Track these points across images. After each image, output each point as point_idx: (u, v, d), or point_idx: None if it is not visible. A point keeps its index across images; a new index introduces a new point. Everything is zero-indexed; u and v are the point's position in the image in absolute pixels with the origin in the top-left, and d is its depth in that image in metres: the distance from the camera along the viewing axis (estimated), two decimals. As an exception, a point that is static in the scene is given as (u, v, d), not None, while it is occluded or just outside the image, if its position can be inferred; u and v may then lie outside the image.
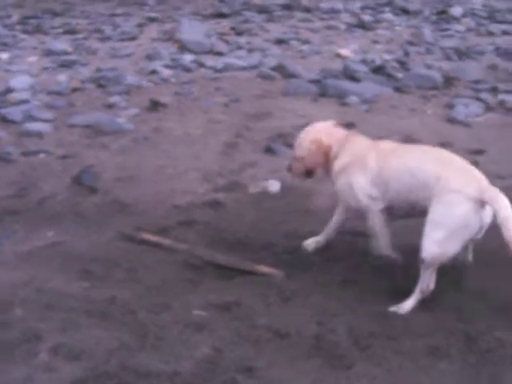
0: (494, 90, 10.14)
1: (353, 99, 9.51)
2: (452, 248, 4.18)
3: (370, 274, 4.74)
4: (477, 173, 4.29)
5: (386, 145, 4.71)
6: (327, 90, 9.89)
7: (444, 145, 7.42)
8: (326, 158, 4.77)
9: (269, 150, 7.40)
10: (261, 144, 7.63)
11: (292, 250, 5.15)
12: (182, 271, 4.82)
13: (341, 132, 4.86)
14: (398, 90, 10.27)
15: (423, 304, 4.35)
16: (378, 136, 7.77)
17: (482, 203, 4.11)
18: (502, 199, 4.07)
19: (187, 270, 4.84)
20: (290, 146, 7.23)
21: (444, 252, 4.18)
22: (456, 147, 7.40)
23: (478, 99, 9.63)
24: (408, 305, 4.30)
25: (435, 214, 4.19)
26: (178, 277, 4.75)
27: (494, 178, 6.38)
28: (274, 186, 6.33)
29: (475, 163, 6.81)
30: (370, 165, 4.57)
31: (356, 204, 4.67)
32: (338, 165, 4.72)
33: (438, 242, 4.16)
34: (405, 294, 4.39)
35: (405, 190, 4.41)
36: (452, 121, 8.75)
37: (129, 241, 5.18)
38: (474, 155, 7.23)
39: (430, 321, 4.24)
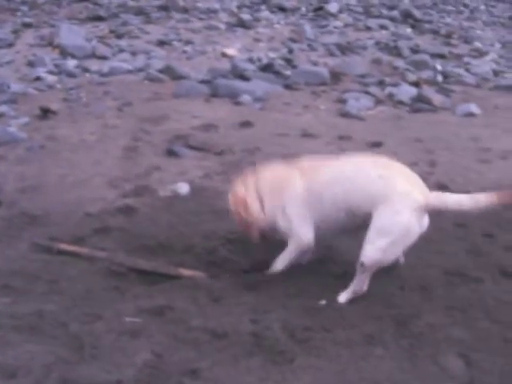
0: (381, 84, 10.50)
1: (245, 98, 9.58)
2: (393, 254, 4.30)
3: (296, 270, 4.75)
4: (415, 177, 4.38)
5: (306, 163, 4.67)
6: (219, 90, 9.93)
7: (343, 138, 7.65)
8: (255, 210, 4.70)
9: (171, 153, 7.37)
10: (161, 147, 7.59)
11: (212, 251, 5.13)
12: (105, 279, 4.71)
13: (249, 180, 4.78)
14: (287, 87, 10.45)
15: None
16: (277, 133, 7.99)
17: (424, 210, 4.23)
18: (444, 193, 4.32)
19: (110, 277, 4.74)
20: (192, 147, 7.29)
21: (385, 258, 4.28)
22: (355, 140, 7.67)
23: (367, 93, 9.94)
24: (340, 301, 4.38)
25: (380, 221, 4.23)
26: (103, 285, 4.64)
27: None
28: (183, 188, 6.31)
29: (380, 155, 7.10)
30: (296, 187, 4.56)
31: (287, 231, 4.65)
32: (266, 206, 4.68)
33: (380, 249, 4.23)
34: (333, 290, 4.48)
35: (344, 201, 4.41)
36: (346, 115, 8.98)
37: (45, 252, 5.04)
38: (374, 147, 7.44)
39: (361, 311, 4.34)
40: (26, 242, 5.20)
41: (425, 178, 6.30)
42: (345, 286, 4.52)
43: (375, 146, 7.64)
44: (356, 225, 4.43)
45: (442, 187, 6.14)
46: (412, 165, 6.66)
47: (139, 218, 5.69)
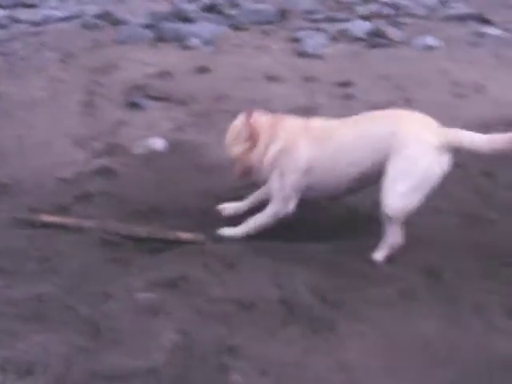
0: (331, 20, 10.14)
1: (194, 41, 9.11)
2: (416, 199, 4.01)
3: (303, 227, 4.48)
4: (429, 119, 4.14)
5: (319, 124, 4.38)
6: (164, 35, 9.42)
7: (309, 80, 7.29)
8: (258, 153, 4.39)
9: (133, 105, 6.91)
10: (120, 99, 7.11)
11: (207, 211, 4.78)
12: (100, 251, 4.29)
13: (267, 118, 4.46)
14: (234, 27, 10.03)
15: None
16: (239, 78, 7.57)
17: (443, 150, 3.97)
18: (462, 131, 4.03)
19: (105, 248, 4.32)
20: (152, 98, 6.82)
21: (409, 205, 4.02)
22: (322, 81, 7.35)
23: (319, 30, 9.60)
24: (377, 258, 4.13)
25: (397, 168, 4.01)
26: (100, 258, 4.22)
27: (373, 107, 6.34)
28: (158, 143, 5.89)
29: (349, 96, 6.80)
30: (302, 158, 4.30)
31: (277, 193, 4.38)
32: (271, 156, 4.37)
33: (401, 195, 3.99)
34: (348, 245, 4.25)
35: (357, 161, 4.17)
36: (303, 54, 8.63)
37: (28, 226, 4.52)
38: (344, 88, 7.14)
39: (388, 265, 4.09)
40: (3, 215, 4.66)
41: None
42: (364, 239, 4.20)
43: (344, 85, 7.36)
44: (363, 184, 4.30)
45: None
46: (389, 104, 6.46)
47: (120, 180, 5.24)
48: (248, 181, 4.58)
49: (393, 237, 4.07)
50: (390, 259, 4.11)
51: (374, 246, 4.16)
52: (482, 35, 9.61)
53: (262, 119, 4.39)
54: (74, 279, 3.98)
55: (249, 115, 4.38)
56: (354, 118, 4.32)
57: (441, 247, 4.22)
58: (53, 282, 3.95)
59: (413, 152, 3.97)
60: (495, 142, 3.96)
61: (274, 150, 4.33)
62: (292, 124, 4.36)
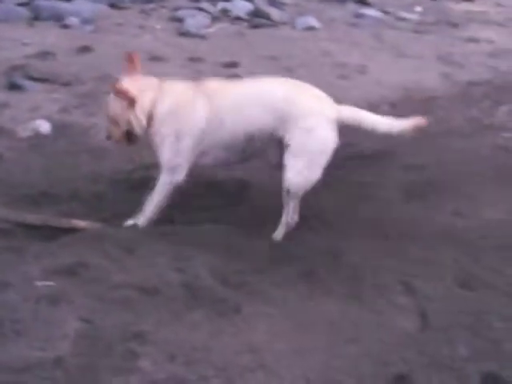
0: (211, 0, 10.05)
1: (72, 20, 8.91)
2: (315, 175, 4.05)
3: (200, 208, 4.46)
4: (323, 94, 4.17)
5: (213, 84, 4.30)
6: (41, 13, 9.18)
7: (194, 60, 7.25)
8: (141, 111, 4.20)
9: (14, 87, 6.65)
10: (-1, 80, 6.75)
11: (100, 195, 4.67)
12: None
13: (150, 79, 4.33)
14: (113, 6, 9.87)
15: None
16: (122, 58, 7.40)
17: (337, 124, 4.03)
18: (360, 110, 4.11)
19: (1, 238, 4.11)
20: (34, 79, 6.59)
21: (308, 180, 4.05)
22: (207, 61, 7.31)
23: (201, 9, 9.53)
24: (276, 237, 4.13)
25: (295, 142, 4.01)
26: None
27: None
28: (44, 126, 5.73)
29: (236, 77, 6.79)
30: (198, 111, 4.15)
31: (167, 162, 4.24)
32: (157, 117, 4.21)
33: (301, 171, 4.01)
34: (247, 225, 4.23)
35: (251, 120, 4.10)
36: (185, 34, 8.59)
37: None
38: (230, 68, 7.15)
39: (283, 245, 4.13)
40: None
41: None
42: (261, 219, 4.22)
43: (231, 66, 7.38)
44: (255, 149, 4.23)
45: None
46: (276, 85, 6.52)
47: (7, 164, 5.07)
48: (129, 144, 4.44)
49: (291, 214, 4.10)
50: (289, 238, 4.10)
51: (270, 225, 4.13)
52: (360, 16, 9.83)
53: (143, 78, 4.27)
54: (-34, 268, 3.79)
55: (126, 74, 4.27)
56: (252, 79, 4.33)
57: (340, 227, 4.24)
58: None
59: (312, 125, 4.00)
60: (393, 126, 4.06)
61: (161, 111, 4.17)
62: (182, 85, 4.27)
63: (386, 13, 10.16)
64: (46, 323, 3.37)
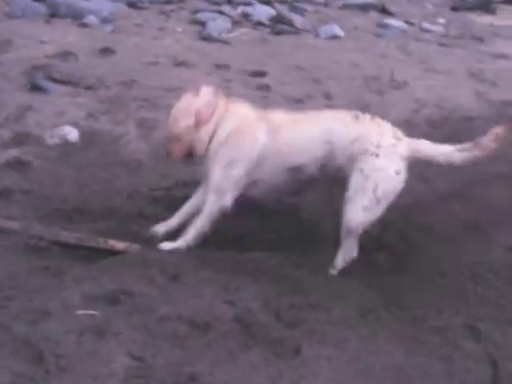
0: (231, 2, 9.81)
1: (91, 19, 8.66)
2: (379, 213, 3.85)
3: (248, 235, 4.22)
4: (394, 129, 3.97)
5: (279, 116, 4.08)
6: (59, 10, 8.90)
7: (220, 67, 7.04)
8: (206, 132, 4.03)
9: (36, 88, 6.38)
10: (20, 81, 6.56)
11: (138, 214, 4.41)
12: (27, 258, 3.93)
13: (220, 100, 4.12)
14: (132, 5, 9.60)
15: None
16: (146, 62, 7.17)
17: (407, 160, 3.84)
18: (431, 144, 3.92)
19: (32, 255, 3.96)
20: (57, 80, 6.33)
21: (371, 218, 3.86)
22: (234, 69, 7.11)
23: (222, 13, 9.31)
24: (333, 273, 3.96)
25: (362, 180, 3.81)
26: (28, 266, 3.84)
27: (293, 100, 6.18)
28: (72, 133, 5.45)
29: (266, 87, 6.57)
30: (255, 148, 3.97)
31: (217, 184, 4.03)
32: (217, 139, 4.02)
33: (365, 208, 3.81)
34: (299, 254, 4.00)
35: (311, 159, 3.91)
36: (208, 38, 8.38)
37: None
38: (259, 77, 6.91)
39: (341, 279, 3.89)
40: None
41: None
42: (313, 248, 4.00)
43: (258, 75, 7.14)
44: (310, 185, 4.09)
45: None
46: (308, 98, 6.32)
47: (37, 175, 4.82)
48: (185, 163, 4.28)
49: (349, 250, 3.88)
50: (345, 273, 3.88)
51: (325, 259, 3.91)
52: (384, 26, 9.61)
53: (214, 98, 4.06)
54: (5, 292, 3.54)
55: (202, 91, 4.06)
56: (317, 114, 4.10)
57: (398, 263, 4.03)
58: (-24, 296, 3.48)
59: (383, 163, 3.79)
60: (465, 153, 3.84)
61: (222, 133, 4.00)
62: (247, 111, 4.10)
63: (409, 24, 9.94)
64: (92, 358, 3.13)
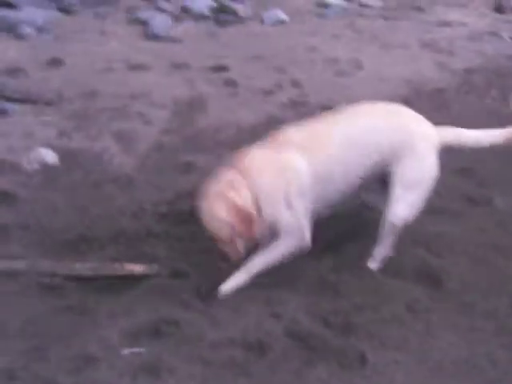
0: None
1: (27, 30, 8.22)
2: (421, 206, 3.73)
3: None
4: (421, 117, 3.82)
5: (297, 134, 3.69)
6: (-9, 24, 8.33)
7: (178, 66, 6.87)
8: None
9: (-5, 111, 5.96)
10: (-28, 102, 6.11)
11: (147, 232, 4.17)
12: (44, 300, 3.64)
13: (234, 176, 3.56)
14: (63, 11, 9.13)
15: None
16: (98, 69, 6.84)
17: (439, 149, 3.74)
18: (457, 129, 3.84)
19: (49, 295, 3.68)
20: (12, 99, 6.01)
21: (414, 213, 3.72)
22: (194, 67, 6.93)
23: (159, 9, 8.97)
24: (374, 268, 3.83)
25: (408, 175, 3.67)
26: (49, 308, 3.59)
27: (263, 93, 6.03)
28: (49, 155, 5.14)
29: (232, 82, 6.39)
30: (301, 172, 3.58)
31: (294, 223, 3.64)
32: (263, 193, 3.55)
33: (411, 203, 3.68)
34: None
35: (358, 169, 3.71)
36: (154, 37, 8.07)
37: None
38: (221, 72, 6.75)
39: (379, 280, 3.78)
40: None
41: (304, 101, 5.84)
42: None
43: (220, 70, 6.90)
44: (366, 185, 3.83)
45: (325, 108, 5.51)
46: (277, 88, 6.16)
47: (28, 206, 4.50)
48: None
49: (389, 246, 3.76)
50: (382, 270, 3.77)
51: (362, 257, 3.77)
52: (325, 5, 9.50)
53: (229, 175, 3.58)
54: (33, 341, 3.27)
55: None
56: (338, 115, 3.81)
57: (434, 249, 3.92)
58: (6, 349, 3.20)
59: (423, 154, 3.68)
60: (495, 136, 3.80)
61: (265, 194, 3.57)
62: (262, 154, 3.63)
63: (348, 0, 9.82)
64: (157, 401, 2.90)
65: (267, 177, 3.51)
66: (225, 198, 3.43)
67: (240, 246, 3.53)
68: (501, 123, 5.50)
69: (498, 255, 3.94)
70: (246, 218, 3.42)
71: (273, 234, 3.59)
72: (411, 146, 3.65)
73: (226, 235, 3.47)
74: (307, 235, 3.60)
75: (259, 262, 3.62)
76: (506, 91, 6.45)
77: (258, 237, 3.54)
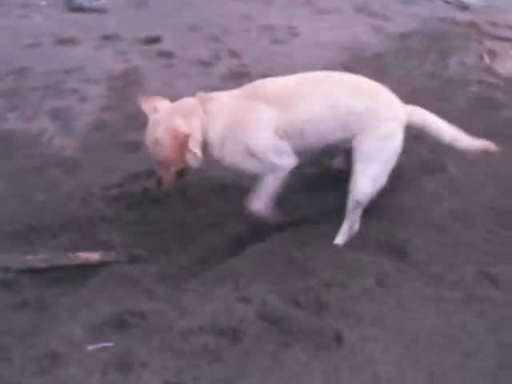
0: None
1: None
2: (383, 181, 3.68)
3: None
4: (390, 93, 3.77)
5: (271, 86, 3.68)
6: None
7: (109, 38, 6.62)
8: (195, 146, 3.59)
9: None
10: None
11: (99, 218, 4.00)
12: (6, 295, 3.44)
13: (190, 102, 3.65)
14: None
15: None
16: (25, 45, 6.54)
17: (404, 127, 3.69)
18: (428, 114, 3.77)
19: (4, 291, 3.51)
20: None
21: (378, 187, 3.67)
22: (125, 39, 6.85)
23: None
24: (339, 243, 3.76)
25: (369, 149, 3.61)
26: (3, 305, 3.39)
27: (201, 65, 5.86)
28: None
29: (167, 54, 6.19)
30: (263, 118, 3.56)
31: (264, 166, 3.63)
32: (216, 137, 3.58)
33: (373, 178, 3.62)
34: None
35: (325, 132, 3.62)
36: (79, 9, 7.79)
37: None
38: (155, 44, 6.55)
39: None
40: None
41: (244, 72, 5.71)
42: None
43: (154, 41, 6.69)
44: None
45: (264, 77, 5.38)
46: (215, 59, 6.01)
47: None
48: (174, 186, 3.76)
49: (354, 222, 3.72)
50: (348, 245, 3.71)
51: (326, 233, 3.70)
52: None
53: (185, 104, 3.64)
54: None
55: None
56: (308, 77, 3.75)
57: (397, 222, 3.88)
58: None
59: (389, 131, 3.63)
60: (464, 143, 3.76)
61: (215, 136, 3.59)
62: (229, 98, 3.65)
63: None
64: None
65: (224, 123, 3.54)
66: (170, 122, 3.48)
67: (171, 170, 3.59)
68: (442, 87, 5.56)
69: (459, 223, 3.91)
70: (180, 145, 3.46)
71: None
72: (377, 124, 3.60)
73: (159, 156, 3.53)
74: (286, 162, 3.63)
75: (255, 200, 3.70)
76: (445, 55, 6.42)
77: (191, 165, 3.62)
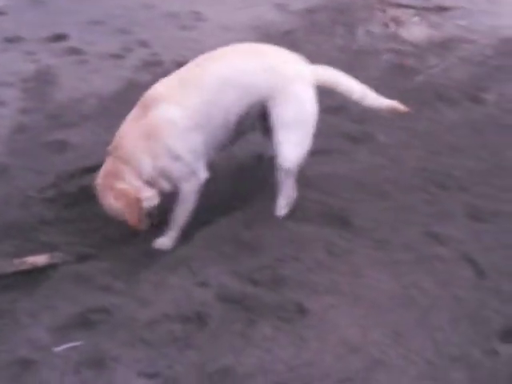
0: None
1: None
2: (308, 145, 3.68)
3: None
4: (295, 55, 3.77)
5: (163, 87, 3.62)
6: None
7: (13, 40, 6.68)
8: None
9: None
10: None
11: (40, 222, 3.97)
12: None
13: (109, 164, 3.61)
14: None
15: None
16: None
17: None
18: (337, 72, 3.78)
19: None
20: None
21: (304, 153, 3.68)
22: (30, 39, 6.88)
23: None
24: (281, 214, 3.83)
25: (288, 115, 3.61)
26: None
27: (112, 58, 5.84)
28: None
29: (76, 51, 6.12)
30: (170, 117, 3.53)
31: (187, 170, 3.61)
32: (151, 169, 3.57)
33: (297, 143, 3.64)
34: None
35: (230, 104, 3.60)
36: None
37: None
38: (62, 42, 6.54)
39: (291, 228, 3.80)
40: None
41: (157, 61, 5.72)
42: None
43: (59, 39, 6.56)
44: (247, 127, 3.77)
45: (180, 65, 5.37)
46: (126, 51, 6.01)
47: None
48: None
49: (289, 190, 3.77)
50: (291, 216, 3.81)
51: (268, 208, 3.79)
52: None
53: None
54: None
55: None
56: (208, 59, 3.68)
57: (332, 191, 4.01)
58: None
59: (298, 92, 3.62)
60: (373, 101, 3.79)
61: (147, 162, 3.56)
62: (126, 128, 3.59)
63: None
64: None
65: (141, 150, 3.48)
66: (112, 190, 3.49)
67: (141, 220, 3.58)
68: (353, 59, 5.71)
69: (396, 188, 4.05)
70: (133, 202, 3.47)
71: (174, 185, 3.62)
72: (284, 85, 3.59)
73: (120, 217, 3.54)
74: (202, 172, 3.62)
75: (180, 214, 3.67)
76: (351, 27, 6.58)
77: (152, 210, 3.64)
